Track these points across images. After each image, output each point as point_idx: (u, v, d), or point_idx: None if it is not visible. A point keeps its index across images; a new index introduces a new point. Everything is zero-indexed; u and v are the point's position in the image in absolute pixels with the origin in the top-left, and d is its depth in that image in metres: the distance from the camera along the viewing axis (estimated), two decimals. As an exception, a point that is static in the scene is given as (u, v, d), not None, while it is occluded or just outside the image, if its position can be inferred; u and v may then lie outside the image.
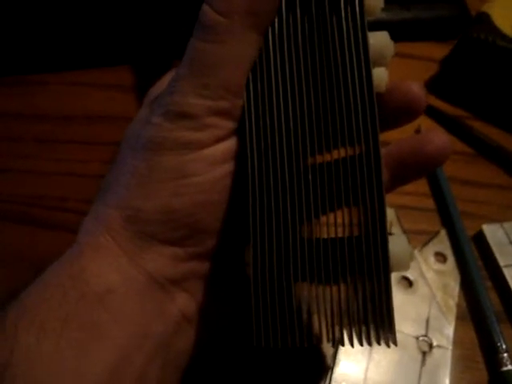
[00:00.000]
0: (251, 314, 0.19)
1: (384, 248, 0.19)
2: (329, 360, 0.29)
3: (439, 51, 0.44)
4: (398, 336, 0.29)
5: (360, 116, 0.19)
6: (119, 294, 0.20)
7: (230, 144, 0.20)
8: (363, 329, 0.19)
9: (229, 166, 0.20)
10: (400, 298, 0.31)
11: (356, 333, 0.19)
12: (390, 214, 0.35)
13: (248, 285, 0.19)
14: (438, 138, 0.22)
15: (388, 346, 0.19)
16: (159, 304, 0.21)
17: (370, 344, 0.19)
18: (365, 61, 0.19)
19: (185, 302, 0.22)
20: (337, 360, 0.29)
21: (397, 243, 0.19)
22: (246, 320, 0.19)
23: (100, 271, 0.20)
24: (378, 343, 0.19)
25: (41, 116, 0.40)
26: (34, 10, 0.39)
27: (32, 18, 0.39)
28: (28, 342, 0.18)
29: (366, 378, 0.28)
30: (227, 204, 0.21)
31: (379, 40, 0.20)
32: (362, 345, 0.19)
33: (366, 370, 0.29)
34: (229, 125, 0.20)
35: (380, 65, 0.20)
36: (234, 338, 0.23)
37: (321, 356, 0.29)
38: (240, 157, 0.20)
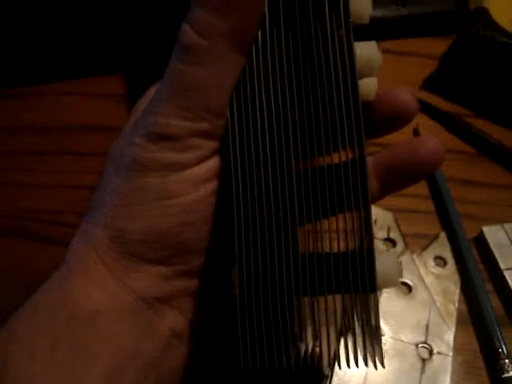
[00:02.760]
0: (238, 335, 0.18)
1: (370, 267, 0.18)
2: (327, 368, 0.29)
3: (438, 47, 0.43)
4: (397, 344, 0.30)
5: (345, 126, 0.18)
6: (108, 315, 0.20)
7: (214, 163, 0.20)
8: (351, 350, 0.19)
9: (213, 185, 0.20)
10: (399, 304, 0.31)
11: (344, 353, 0.19)
12: (388, 217, 0.34)
13: (235, 305, 0.19)
14: (430, 142, 0.21)
15: (375, 367, 0.19)
16: (148, 322, 0.21)
17: (357, 365, 0.19)
18: (350, 70, 0.19)
19: (174, 320, 0.22)
20: (335, 368, 0.29)
21: (385, 261, 0.19)
22: (233, 341, 0.19)
23: (88, 292, 0.20)
24: (366, 364, 0.19)
25: (34, 128, 0.40)
26: (26, 22, 0.39)
27: (24, 30, 0.39)
28: (18, 366, 0.18)
29: (365, 387, 0.28)
30: (213, 222, 0.20)
31: (366, 50, 0.19)
32: (349, 366, 0.19)
33: (365, 377, 0.28)
34: (211, 145, 0.20)
35: (368, 74, 0.20)
36: (226, 352, 0.23)
37: (319, 364, 0.29)
38: (224, 175, 0.20)
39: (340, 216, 0.19)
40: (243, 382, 0.26)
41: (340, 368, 0.19)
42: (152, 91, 0.23)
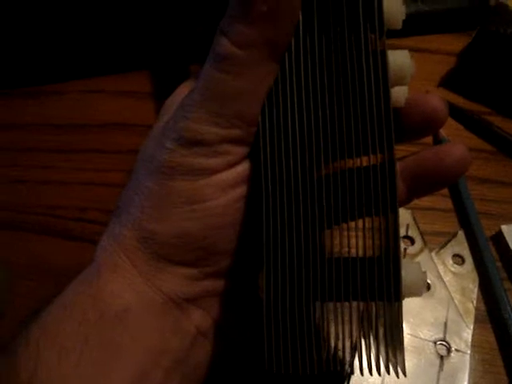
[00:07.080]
0: (263, 337, 0.19)
1: (396, 275, 0.18)
2: (346, 366, 0.29)
3: (457, 44, 0.43)
4: (416, 341, 0.30)
5: (376, 135, 0.18)
6: (136, 314, 0.21)
7: (243, 168, 0.20)
8: (373, 356, 0.19)
9: (241, 190, 0.20)
10: (417, 302, 0.31)
11: (366, 359, 0.20)
12: (407, 215, 0.35)
13: (261, 308, 0.19)
14: (457, 150, 0.21)
15: (397, 375, 0.19)
16: (175, 321, 0.22)
17: (379, 373, 0.19)
18: (383, 79, 0.19)
19: (201, 319, 0.22)
20: (354, 365, 0.29)
21: (410, 270, 0.19)
22: (258, 342, 0.19)
23: (117, 291, 0.21)
24: (388, 373, 0.19)
25: (58, 126, 0.40)
26: (47, 19, 0.39)
27: (45, 28, 0.40)
28: (50, 361, 0.19)
29: None
30: (241, 225, 0.21)
31: (399, 59, 0.19)
32: (371, 374, 0.19)
33: (384, 375, 0.29)
34: (241, 150, 0.20)
35: (400, 83, 0.19)
36: (250, 351, 0.24)
37: (342, 367, 0.29)
38: (253, 180, 0.20)
39: (367, 221, 0.20)
40: (265, 382, 0.26)
41: (362, 375, 0.19)
42: (181, 92, 0.23)
